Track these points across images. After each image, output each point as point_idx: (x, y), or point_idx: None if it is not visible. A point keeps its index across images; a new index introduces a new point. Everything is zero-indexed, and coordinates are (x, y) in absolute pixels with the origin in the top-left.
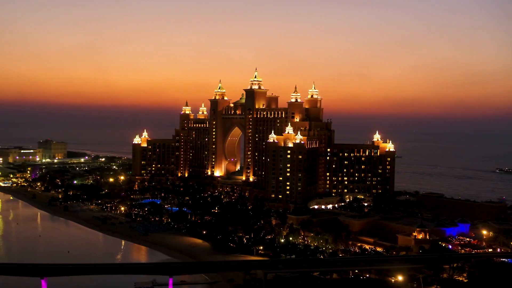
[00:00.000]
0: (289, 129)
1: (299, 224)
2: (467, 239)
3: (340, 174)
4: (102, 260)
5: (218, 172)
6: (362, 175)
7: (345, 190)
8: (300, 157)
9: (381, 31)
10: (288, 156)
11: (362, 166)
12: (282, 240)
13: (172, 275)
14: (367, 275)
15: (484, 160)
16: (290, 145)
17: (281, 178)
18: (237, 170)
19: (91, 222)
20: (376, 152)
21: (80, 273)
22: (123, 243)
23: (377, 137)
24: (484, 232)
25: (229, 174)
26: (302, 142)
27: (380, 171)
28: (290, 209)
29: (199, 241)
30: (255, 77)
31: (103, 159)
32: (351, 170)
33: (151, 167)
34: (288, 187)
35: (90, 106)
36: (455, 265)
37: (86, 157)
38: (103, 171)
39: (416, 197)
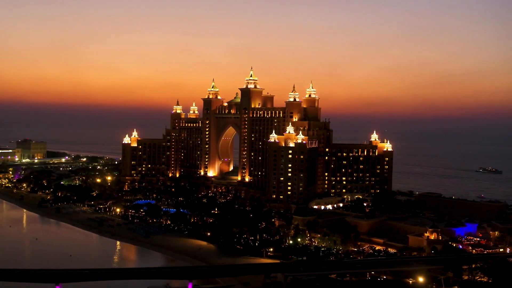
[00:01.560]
0: (289, 129)
1: (305, 225)
2: (476, 239)
3: (338, 174)
4: (107, 263)
5: (211, 172)
6: (361, 175)
7: (344, 190)
8: (302, 157)
9: (352, 32)
10: (290, 156)
11: (361, 166)
12: (291, 242)
13: (192, 279)
14: (384, 277)
15: (464, 160)
16: (291, 145)
17: (282, 178)
18: (230, 170)
19: (87, 224)
20: (374, 152)
21: (97, 278)
22: (125, 245)
23: (374, 136)
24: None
25: (224, 174)
26: (304, 142)
27: (378, 171)
28: (292, 210)
29: (203, 243)
30: (251, 76)
31: (85, 159)
32: (349, 170)
33: (142, 167)
34: (289, 188)
35: (63, 105)
36: (473, 265)
37: (67, 157)
38: (88, 172)
39: (414, 197)
